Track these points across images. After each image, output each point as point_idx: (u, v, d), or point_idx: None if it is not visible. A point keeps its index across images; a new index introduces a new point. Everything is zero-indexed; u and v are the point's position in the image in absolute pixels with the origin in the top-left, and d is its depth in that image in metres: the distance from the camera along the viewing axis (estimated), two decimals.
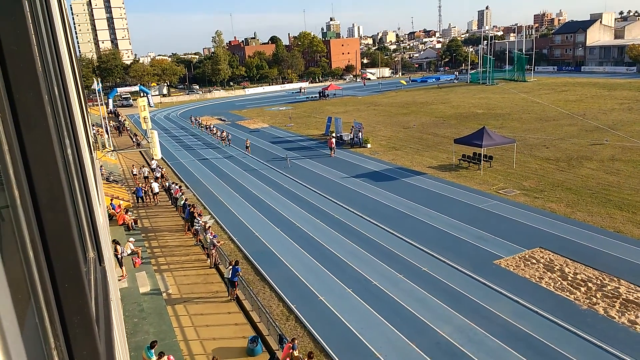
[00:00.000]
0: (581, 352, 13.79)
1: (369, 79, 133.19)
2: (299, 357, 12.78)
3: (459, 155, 35.51)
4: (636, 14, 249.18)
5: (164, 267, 21.16)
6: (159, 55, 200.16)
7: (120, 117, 75.26)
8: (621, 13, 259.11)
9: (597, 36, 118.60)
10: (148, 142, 31.26)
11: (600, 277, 17.82)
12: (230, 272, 17.72)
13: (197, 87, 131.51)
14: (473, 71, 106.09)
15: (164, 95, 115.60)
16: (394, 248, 21.59)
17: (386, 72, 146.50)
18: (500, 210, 25.46)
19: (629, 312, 15.52)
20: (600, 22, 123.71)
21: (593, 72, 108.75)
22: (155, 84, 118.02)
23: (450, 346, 14.49)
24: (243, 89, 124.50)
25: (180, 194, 28.58)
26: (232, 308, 17.43)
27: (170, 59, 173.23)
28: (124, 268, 19.63)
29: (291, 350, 13.00)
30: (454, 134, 44.42)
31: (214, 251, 20.73)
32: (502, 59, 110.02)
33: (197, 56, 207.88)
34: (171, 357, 13.40)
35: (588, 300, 16.38)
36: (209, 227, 22.53)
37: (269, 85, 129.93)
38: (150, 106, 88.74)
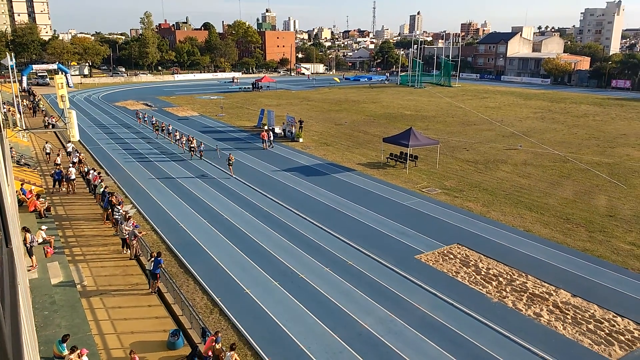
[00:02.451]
0: (491, 342, 14.75)
1: (303, 73, 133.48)
2: (221, 350, 12.58)
3: (387, 154, 36.60)
4: (552, 30, 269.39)
5: (79, 257, 19.93)
6: (81, 33, 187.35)
7: (35, 97, 69.71)
8: (539, 28, 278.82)
9: (517, 48, 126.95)
10: (65, 123, 29.19)
11: (510, 273, 19.15)
12: (152, 263, 17.06)
13: (123, 69, 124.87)
14: (403, 73, 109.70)
15: (85, 76, 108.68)
16: (322, 242, 21.85)
17: (320, 68, 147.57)
18: (422, 207, 26.56)
19: (534, 305, 16.82)
20: (521, 35, 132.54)
21: (512, 81, 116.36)
22: (76, 63, 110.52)
23: (371, 337, 14.94)
24: (172, 74, 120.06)
25: (100, 180, 27.04)
26: (153, 301, 16.80)
27: (93, 37, 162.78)
28: (34, 258, 18.25)
29: (214, 343, 12.77)
30: (383, 133, 45.71)
31: (134, 242, 19.84)
32: (431, 64, 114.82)
33: (123, 37, 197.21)
34: (84, 351, 12.68)
35: (498, 294, 17.54)
36: (130, 216, 21.51)
37: (200, 72, 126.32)
38: (70, 86, 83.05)
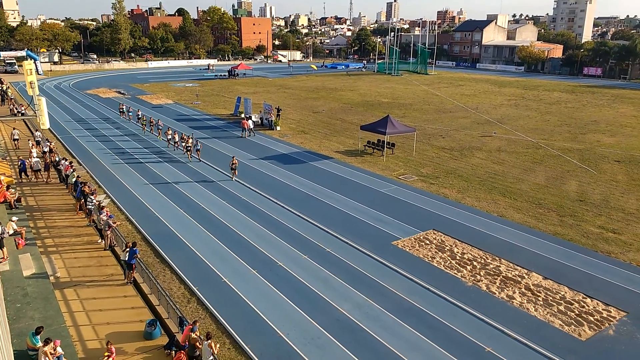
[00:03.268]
0: (466, 324, 15.08)
1: (280, 60, 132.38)
2: (196, 339, 12.54)
3: (365, 142, 36.73)
4: (527, 18, 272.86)
5: (51, 249, 19.53)
6: (50, 19, 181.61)
7: (2, 84, 67.40)
8: (514, 16, 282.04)
9: (492, 36, 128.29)
10: (34, 111, 28.33)
11: (484, 257, 19.55)
12: (127, 254, 16.83)
13: (95, 56, 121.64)
14: (380, 61, 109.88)
15: (55, 63, 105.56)
16: (300, 230, 21.89)
17: (297, 55, 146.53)
18: (399, 194, 26.82)
19: (507, 288, 17.24)
20: (496, 23, 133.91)
21: (487, 69, 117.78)
22: (45, 50, 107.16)
23: (349, 322, 15.11)
24: (146, 61, 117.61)
25: (72, 170, 26.42)
26: (129, 291, 16.60)
27: (63, 23, 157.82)
28: (5, 250, 17.81)
29: (191, 332, 12.72)
30: (361, 120, 45.83)
31: (109, 232, 19.51)
32: (407, 52, 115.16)
33: (94, 23, 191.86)
34: (58, 343, 12.50)
35: (473, 278, 17.91)
36: (104, 206, 21.13)
37: (175, 59, 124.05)
38: (39, 74, 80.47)
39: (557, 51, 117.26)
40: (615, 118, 51.65)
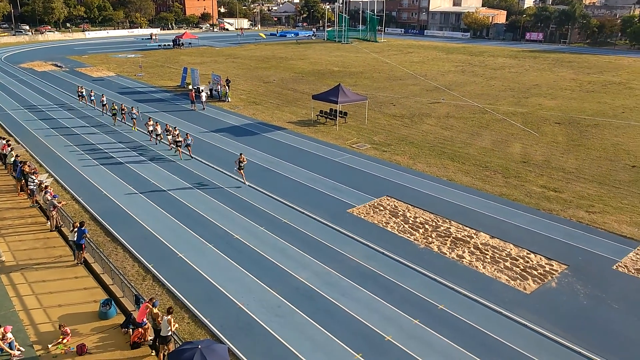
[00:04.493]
0: (420, 285, 15.69)
1: (227, 29, 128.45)
2: (158, 314, 12.42)
3: (317, 111, 36.62)
4: None
5: None
6: None
7: None
8: None
9: (438, 2, 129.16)
10: None
11: (435, 220, 20.24)
12: (76, 234, 16.23)
13: (27, 27, 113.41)
14: (330, 29, 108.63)
15: None
16: (255, 202, 21.79)
17: (245, 23, 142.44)
18: (353, 163, 27.10)
19: (457, 249, 17.99)
20: None
21: (434, 36, 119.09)
22: None
23: (308, 290, 15.37)
24: (83, 31, 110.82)
25: (9, 149, 24.93)
26: (80, 272, 16.10)
27: None
28: None
29: (152, 307, 12.56)
30: (312, 90, 45.52)
31: (54, 212, 18.70)
32: (357, 19, 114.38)
33: None
34: (8, 329, 12.04)
35: (425, 240, 18.55)
36: (47, 186, 20.16)
37: (114, 29, 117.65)
38: None
39: (501, 17, 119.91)
40: (555, 82, 53.88)
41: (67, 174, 24.84)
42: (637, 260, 17.31)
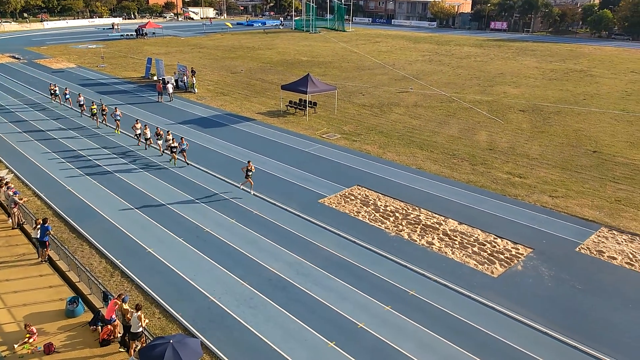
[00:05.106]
0: (391, 272, 15.89)
1: (192, 18, 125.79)
2: (128, 310, 12.17)
3: (286, 102, 36.39)
4: None
5: None
6: None
7: None
8: None
9: None
10: None
11: (405, 208, 20.50)
12: (39, 231, 15.71)
13: None
14: (297, 18, 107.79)
15: None
16: (225, 194, 21.55)
17: (210, 12, 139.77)
18: (323, 153, 27.10)
19: (427, 235, 18.28)
20: None
21: (402, 25, 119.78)
22: None
23: (280, 280, 15.35)
24: (41, 21, 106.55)
25: None
26: (45, 270, 15.62)
27: None
28: None
29: (121, 303, 12.30)
30: (281, 80, 45.17)
31: (15, 209, 18.04)
32: (324, 8, 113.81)
33: None
34: None
35: (396, 228, 18.78)
36: (7, 182, 19.41)
37: (74, 19, 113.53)
38: None
39: (466, 6, 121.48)
40: (519, 70, 55.10)
41: (27, 169, 23.94)
42: (598, 242, 17.99)
